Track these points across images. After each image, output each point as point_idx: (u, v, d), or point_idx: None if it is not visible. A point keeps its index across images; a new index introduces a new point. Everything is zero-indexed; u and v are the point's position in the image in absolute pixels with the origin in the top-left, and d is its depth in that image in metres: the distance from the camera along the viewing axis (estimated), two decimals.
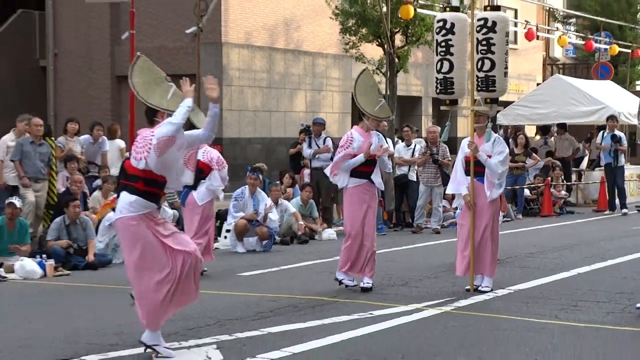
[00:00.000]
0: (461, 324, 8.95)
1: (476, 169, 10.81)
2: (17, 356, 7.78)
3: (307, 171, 19.00)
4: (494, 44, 10.65)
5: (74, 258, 13.22)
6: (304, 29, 30.08)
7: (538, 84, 35.00)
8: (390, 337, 8.39)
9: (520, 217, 21.27)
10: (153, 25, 27.66)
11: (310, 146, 18.21)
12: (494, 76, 10.68)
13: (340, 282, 11.12)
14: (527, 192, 22.19)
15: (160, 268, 7.62)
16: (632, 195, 23.77)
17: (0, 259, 12.76)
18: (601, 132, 22.94)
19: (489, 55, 10.67)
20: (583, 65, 41.03)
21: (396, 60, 22.74)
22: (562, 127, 24.84)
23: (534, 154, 22.76)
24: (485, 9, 11.02)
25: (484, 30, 10.68)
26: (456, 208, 12.77)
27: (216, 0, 23.59)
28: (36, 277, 12.41)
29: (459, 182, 11.04)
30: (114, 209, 13.74)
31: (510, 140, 22.77)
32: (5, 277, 12.29)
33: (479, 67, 10.73)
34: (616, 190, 22.24)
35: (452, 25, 10.84)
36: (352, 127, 12.07)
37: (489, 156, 10.75)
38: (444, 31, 10.86)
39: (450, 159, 17.83)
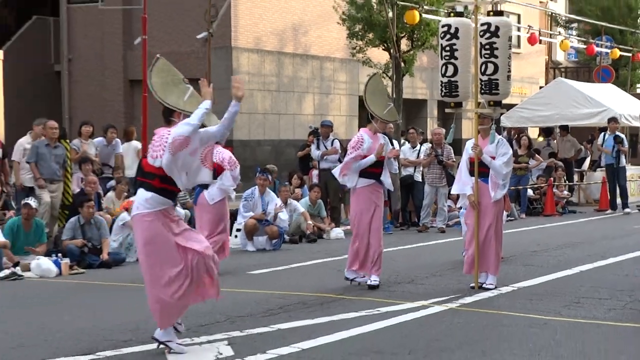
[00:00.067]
0: (466, 321, 8.95)
1: (480, 169, 10.82)
2: (34, 351, 7.81)
3: (315, 172, 19.02)
4: (497, 48, 10.64)
5: (89, 257, 13.26)
6: (312, 34, 30.10)
7: (541, 87, 34.95)
8: (397, 333, 8.40)
9: (524, 217, 21.25)
10: (165, 31, 27.70)
11: (318, 148, 18.23)
12: (497, 79, 10.67)
13: (352, 281, 11.14)
14: (530, 192, 22.17)
15: (174, 264, 7.63)
16: (632, 195, 23.73)
17: (16, 258, 12.80)
18: (602, 133, 22.95)
19: (492, 59, 10.66)
20: (585, 68, 40.95)
21: (402, 64, 22.75)
22: (564, 129, 24.83)
23: (536, 155, 22.73)
24: (488, 14, 11.02)
25: (488, 34, 10.67)
26: (460, 207, 12.79)
27: (226, 6, 23.62)
28: (52, 275, 12.46)
29: (463, 183, 11.05)
30: (127, 210, 13.88)
31: (513, 141, 22.74)
32: (22, 276, 12.33)
33: (482, 70, 10.73)
34: (618, 190, 22.23)
35: (457, 30, 10.84)
36: (359, 129, 12.09)
37: (493, 158, 10.76)
38: (448, 36, 10.87)
39: (454, 159, 17.83)
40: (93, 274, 12.71)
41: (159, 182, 7.62)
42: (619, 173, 22.12)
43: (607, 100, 24.90)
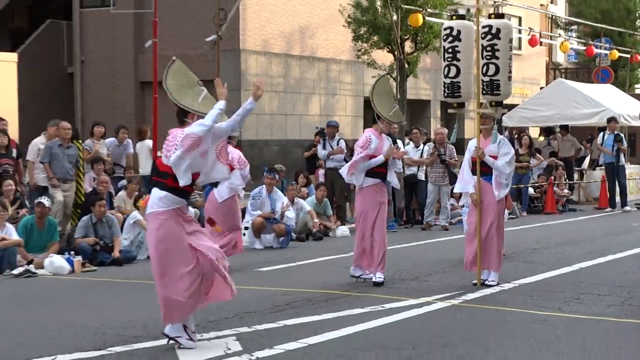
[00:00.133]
0: (468, 317, 8.93)
1: (482, 168, 10.80)
2: (48, 345, 7.80)
3: (321, 171, 19.01)
4: (498, 50, 10.62)
5: (101, 254, 13.26)
6: (319, 37, 30.09)
7: (541, 88, 34.91)
8: (401, 329, 8.38)
9: (525, 215, 21.20)
10: (175, 34, 27.72)
11: (324, 147, 18.23)
12: (499, 80, 10.65)
13: (357, 279, 11.12)
14: (531, 190, 22.12)
15: (186, 263, 7.60)
16: (631, 194, 23.67)
17: (30, 256, 12.81)
18: (602, 133, 22.92)
19: (493, 60, 10.64)
20: (584, 69, 40.88)
21: (406, 65, 22.76)
22: (564, 128, 24.79)
23: (537, 154, 22.67)
24: (490, 16, 11.00)
25: (489, 36, 10.65)
26: (463, 206, 12.76)
27: (235, 10, 23.60)
28: (64, 272, 12.46)
29: (466, 181, 11.02)
30: (138, 208, 13.90)
31: (515, 141, 22.71)
32: (36, 273, 12.34)
33: (484, 71, 10.70)
34: (618, 188, 22.18)
35: (459, 32, 10.82)
36: (364, 130, 12.07)
37: (495, 157, 10.73)
38: (451, 38, 10.84)
39: (457, 159, 17.81)
40: (105, 271, 12.70)
41: (172, 181, 7.60)
42: (618, 171, 22.09)
43: (606, 100, 24.86)
